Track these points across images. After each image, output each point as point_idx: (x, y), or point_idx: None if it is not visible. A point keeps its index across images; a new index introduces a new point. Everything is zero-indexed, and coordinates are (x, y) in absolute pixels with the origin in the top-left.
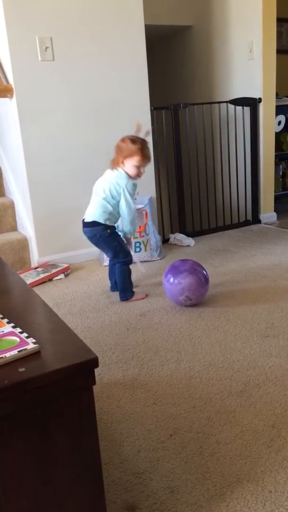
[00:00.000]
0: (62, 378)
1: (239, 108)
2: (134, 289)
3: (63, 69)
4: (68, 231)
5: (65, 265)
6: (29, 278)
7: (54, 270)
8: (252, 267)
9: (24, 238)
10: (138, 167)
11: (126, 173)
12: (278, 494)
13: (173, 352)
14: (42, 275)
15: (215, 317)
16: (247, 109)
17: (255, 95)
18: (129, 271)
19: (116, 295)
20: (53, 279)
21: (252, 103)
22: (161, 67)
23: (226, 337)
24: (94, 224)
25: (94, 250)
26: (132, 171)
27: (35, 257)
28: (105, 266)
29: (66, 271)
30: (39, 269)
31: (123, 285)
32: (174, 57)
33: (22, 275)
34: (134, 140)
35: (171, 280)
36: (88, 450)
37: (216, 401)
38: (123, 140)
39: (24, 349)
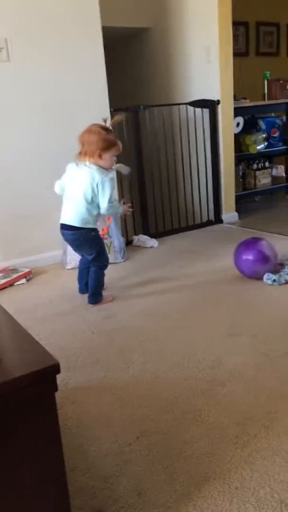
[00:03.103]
0: (23, 385)
1: (198, 110)
2: (102, 292)
3: (19, 70)
4: (30, 234)
5: (27, 270)
6: None
7: (15, 275)
8: (216, 267)
9: None
10: (113, 157)
11: (100, 166)
12: (244, 490)
13: (139, 354)
14: (2, 281)
15: (179, 318)
16: (206, 111)
17: (214, 97)
18: (102, 278)
19: (82, 298)
20: (15, 284)
21: (211, 105)
22: (120, 69)
23: (190, 337)
24: (76, 228)
25: (57, 253)
26: (109, 162)
27: None
28: (69, 269)
29: (28, 276)
30: None
31: (94, 289)
32: (133, 58)
33: None
34: (109, 129)
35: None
36: (51, 457)
37: (182, 401)
38: (96, 132)
39: None
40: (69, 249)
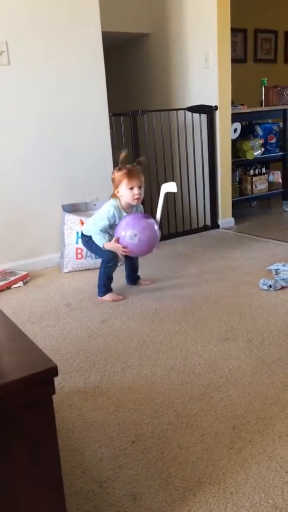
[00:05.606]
0: (20, 388)
1: (196, 115)
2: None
3: (19, 74)
4: (26, 237)
5: (24, 273)
6: None
7: (12, 278)
8: (212, 272)
9: None
10: (132, 189)
11: (118, 201)
12: (239, 495)
13: (135, 358)
14: None
15: (175, 322)
16: (204, 117)
17: (212, 102)
18: (106, 274)
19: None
20: (12, 287)
21: (208, 111)
22: (119, 74)
23: (186, 341)
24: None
25: (54, 256)
26: (127, 195)
27: None
28: (65, 272)
29: (25, 279)
30: None
31: (98, 281)
32: (132, 64)
33: None
34: (119, 168)
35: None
36: (48, 460)
37: (177, 406)
38: (112, 172)
39: None
40: (66, 252)
